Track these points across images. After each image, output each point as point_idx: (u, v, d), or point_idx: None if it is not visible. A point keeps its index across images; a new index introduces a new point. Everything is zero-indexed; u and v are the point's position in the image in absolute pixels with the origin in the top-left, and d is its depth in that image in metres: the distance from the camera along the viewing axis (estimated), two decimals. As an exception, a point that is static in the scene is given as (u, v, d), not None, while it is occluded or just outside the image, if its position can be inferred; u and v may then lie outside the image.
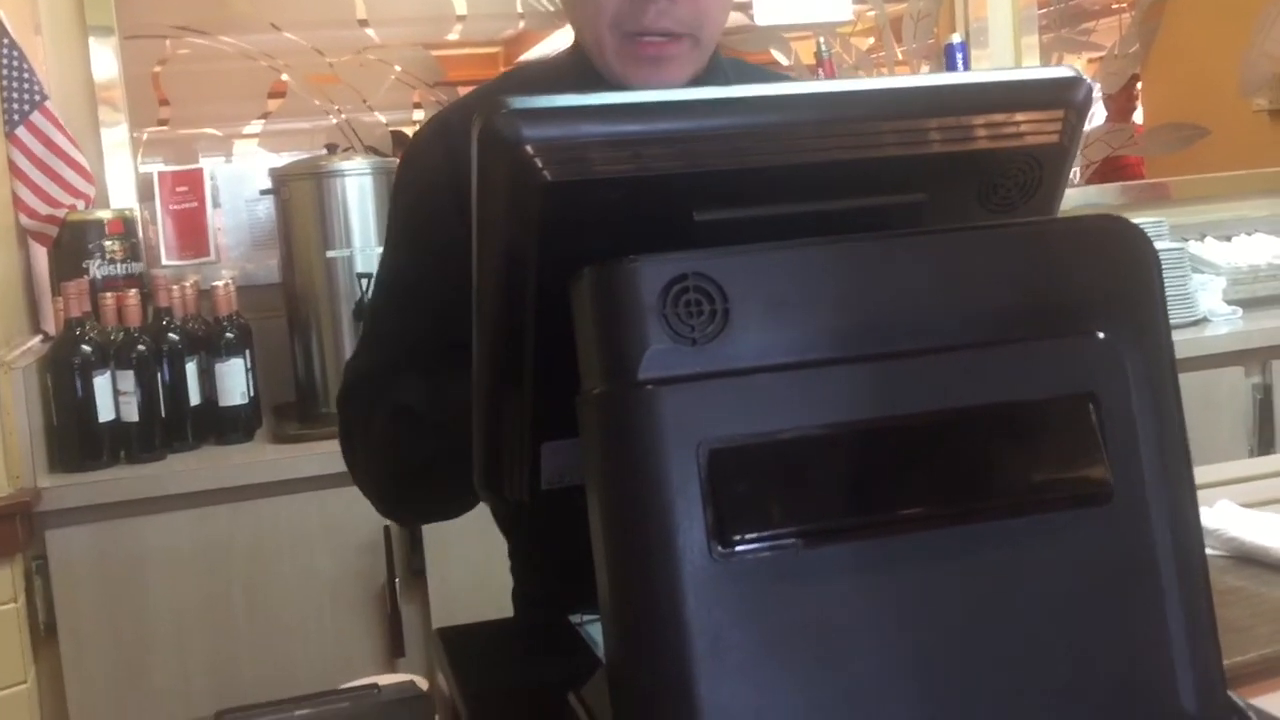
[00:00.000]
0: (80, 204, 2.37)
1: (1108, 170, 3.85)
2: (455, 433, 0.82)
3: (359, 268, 2.33)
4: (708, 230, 0.66)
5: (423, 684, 0.97)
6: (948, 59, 3.09)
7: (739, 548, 0.59)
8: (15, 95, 2.27)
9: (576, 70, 1.14)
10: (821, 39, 3.08)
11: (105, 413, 2.15)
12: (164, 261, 2.54)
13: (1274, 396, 2.71)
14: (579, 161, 0.63)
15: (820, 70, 3.07)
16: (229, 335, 2.30)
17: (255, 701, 0.94)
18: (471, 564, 2.12)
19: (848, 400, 0.62)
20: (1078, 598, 0.63)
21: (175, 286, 2.31)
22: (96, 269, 2.36)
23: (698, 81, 1.11)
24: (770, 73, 1.53)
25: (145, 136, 2.83)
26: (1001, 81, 0.75)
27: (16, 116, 2.28)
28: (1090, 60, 4.05)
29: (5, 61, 2.26)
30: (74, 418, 2.14)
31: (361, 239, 2.34)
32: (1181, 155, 3.67)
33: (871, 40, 3.48)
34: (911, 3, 3.24)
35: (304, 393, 2.42)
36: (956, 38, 3.13)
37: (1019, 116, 0.71)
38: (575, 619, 0.98)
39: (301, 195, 2.35)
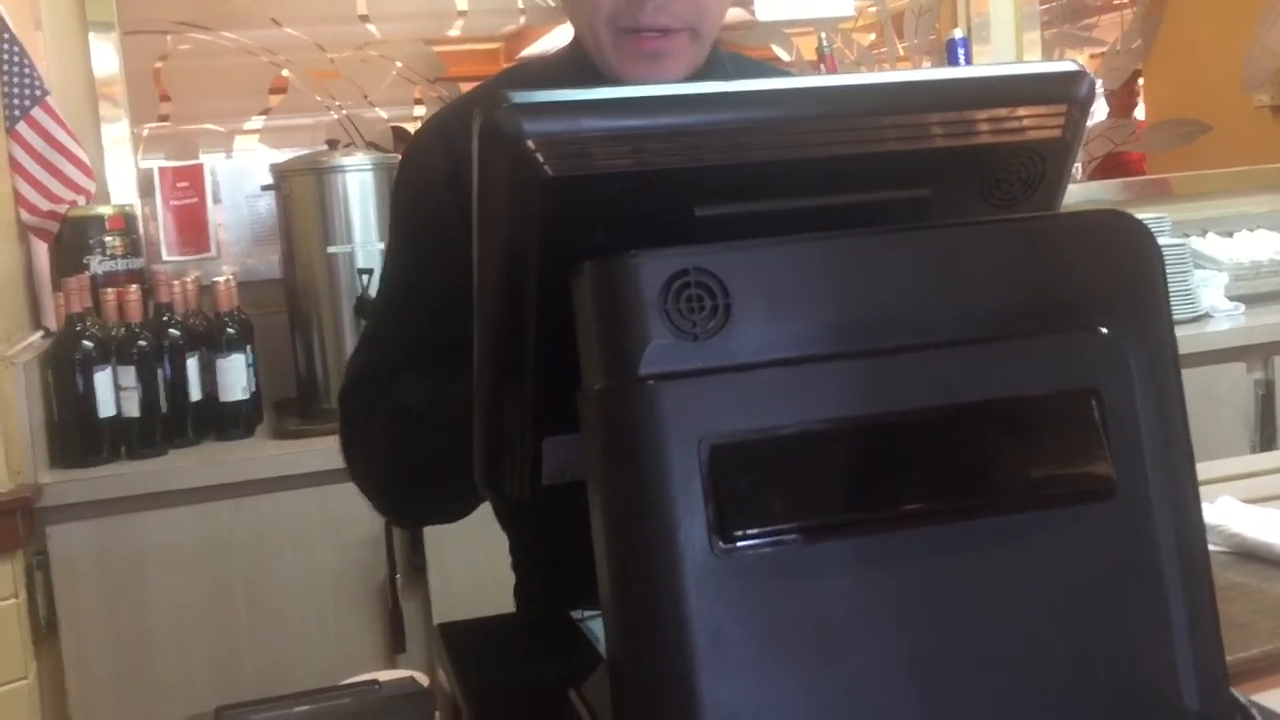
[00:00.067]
0: (81, 200, 2.37)
1: (1110, 166, 3.85)
2: (456, 432, 0.82)
3: (360, 263, 2.33)
4: (709, 225, 0.65)
5: (423, 680, 0.97)
6: (949, 54, 3.08)
7: (740, 543, 0.59)
8: (16, 90, 2.27)
9: (575, 67, 1.14)
10: (823, 34, 3.08)
11: (106, 408, 2.15)
12: (165, 257, 2.54)
13: (1276, 392, 2.71)
14: (580, 156, 0.63)
15: (822, 66, 3.06)
16: (230, 331, 2.30)
17: (256, 697, 0.94)
18: (472, 560, 2.12)
19: (850, 396, 0.61)
20: (1079, 594, 0.63)
21: (176, 282, 2.31)
22: (97, 265, 2.36)
23: (698, 76, 1.10)
24: (770, 67, 1.52)
25: (146, 132, 2.83)
26: (1004, 76, 0.75)
27: (17, 112, 2.27)
28: (1092, 56, 4.05)
29: (6, 57, 2.25)
30: (75, 413, 2.14)
31: (362, 234, 2.34)
32: (1183, 151, 3.67)
33: (873, 36, 3.48)
34: (913, -2, 3.24)
35: (305, 388, 2.42)
36: (958, 33, 3.12)
37: (1022, 111, 0.71)
38: (576, 615, 0.98)
39: (302, 191, 2.35)
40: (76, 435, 2.15)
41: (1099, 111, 4.06)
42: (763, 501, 0.59)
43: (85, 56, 2.53)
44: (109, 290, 2.22)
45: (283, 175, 2.38)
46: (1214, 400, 2.63)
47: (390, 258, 1.17)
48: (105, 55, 2.54)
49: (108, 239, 2.37)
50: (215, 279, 2.35)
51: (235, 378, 2.29)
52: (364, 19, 3.00)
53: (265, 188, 2.47)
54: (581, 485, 0.63)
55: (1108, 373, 0.65)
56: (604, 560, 0.61)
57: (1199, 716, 0.64)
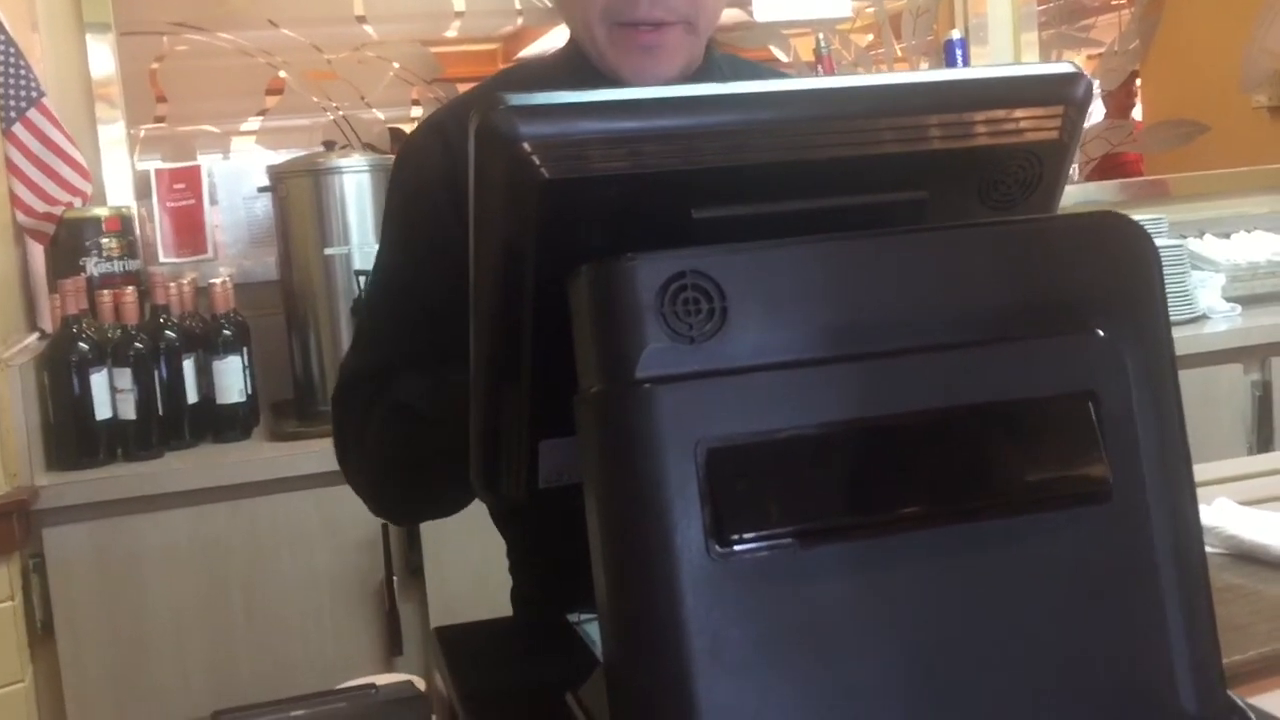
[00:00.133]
0: (77, 201, 2.36)
1: (1107, 167, 3.85)
2: (451, 431, 0.82)
3: (357, 265, 2.33)
4: (706, 228, 0.65)
5: (420, 684, 0.97)
6: (947, 55, 3.08)
7: (737, 547, 0.58)
8: (12, 92, 2.26)
9: (571, 67, 1.14)
10: (820, 35, 3.07)
11: (102, 410, 2.15)
12: (161, 259, 2.54)
13: (1273, 394, 2.71)
14: (577, 159, 0.63)
15: (819, 67, 3.06)
16: (226, 333, 2.30)
17: (252, 699, 0.94)
18: (469, 563, 2.12)
19: (846, 399, 0.61)
20: (1076, 596, 0.63)
21: (172, 284, 2.31)
22: (94, 266, 2.36)
23: (694, 78, 1.10)
24: (766, 69, 1.52)
25: (142, 133, 2.83)
26: (1001, 77, 0.75)
27: (13, 113, 2.27)
28: (1089, 57, 4.05)
29: (2, 58, 2.25)
30: (71, 415, 2.14)
31: (359, 236, 2.34)
32: (1181, 152, 3.67)
33: (871, 37, 3.48)
34: (911, -1, 3.24)
35: (302, 390, 2.41)
36: (956, 34, 3.12)
37: (1019, 113, 0.71)
38: (573, 618, 0.98)
39: (299, 192, 2.35)
40: (73, 437, 2.14)
41: (1096, 112, 4.06)
42: (759, 505, 0.59)
43: (81, 58, 2.53)
44: (105, 292, 2.22)
45: (279, 177, 2.38)
46: (1211, 402, 2.63)
47: (384, 258, 1.16)
48: (101, 56, 2.54)
49: (104, 241, 2.37)
50: (212, 281, 2.35)
51: (232, 380, 2.29)
52: (361, 20, 3.00)
53: (262, 189, 2.47)
54: (578, 488, 0.63)
55: (1104, 375, 0.65)
56: (600, 563, 0.61)
57: (1196, 719, 0.64)
